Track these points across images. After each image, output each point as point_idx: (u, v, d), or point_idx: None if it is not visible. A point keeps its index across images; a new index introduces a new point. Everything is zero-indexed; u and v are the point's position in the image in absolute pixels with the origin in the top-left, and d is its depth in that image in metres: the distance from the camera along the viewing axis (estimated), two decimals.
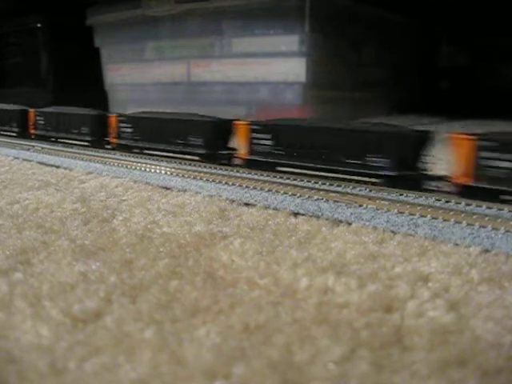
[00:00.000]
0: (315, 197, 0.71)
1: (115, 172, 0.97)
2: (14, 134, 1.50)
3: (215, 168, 0.92)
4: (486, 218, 0.59)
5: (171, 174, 0.91)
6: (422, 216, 0.62)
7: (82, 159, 1.09)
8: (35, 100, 2.14)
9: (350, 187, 0.75)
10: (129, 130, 1.14)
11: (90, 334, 0.37)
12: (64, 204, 0.74)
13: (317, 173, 0.82)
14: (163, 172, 0.92)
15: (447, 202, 0.66)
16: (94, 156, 1.11)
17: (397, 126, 0.78)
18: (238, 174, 0.86)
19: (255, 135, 0.89)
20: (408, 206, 0.65)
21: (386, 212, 0.64)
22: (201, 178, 0.86)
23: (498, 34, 2.38)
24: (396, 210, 0.64)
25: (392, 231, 0.60)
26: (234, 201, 0.74)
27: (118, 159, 1.06)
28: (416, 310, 0.40)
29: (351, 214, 0.65)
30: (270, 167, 0.88)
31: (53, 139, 1.39)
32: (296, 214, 0.68)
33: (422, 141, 0.74)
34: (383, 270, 0.48)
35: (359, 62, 2.18)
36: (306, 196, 0.72)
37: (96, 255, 0.53)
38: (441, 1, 2.24)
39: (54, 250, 0.54)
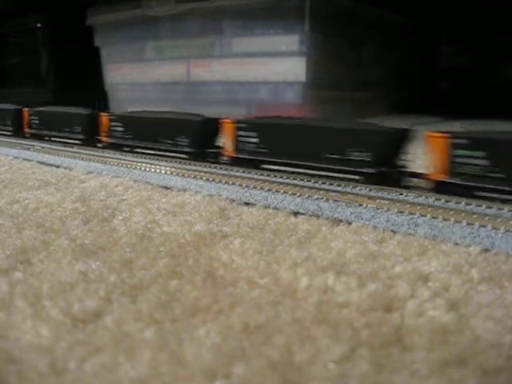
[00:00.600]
0: (315, 196, 0.71)
1: (115, 171, 0.97)
2: (9, 133, 1.52)
3: (215, 167, 0.92)
4: (486, 218, 0.59)
5: (171, 173, 0.91)
6: (422, 215, 0.62)
7: (82, 159, 1.09)
8: (35, 100, 2.14)
9: (350, 186, 0.75)
10: (119, 129, 1.15)
11: (90, 334, 0.37)
12: (64, 203, 0.74)
13: (299, 170, 0.84)
14: (163, 171, 0.92)
15: (447, 201, 0.66)
16: (93, 155, 1.11)
17: (377, 124, 0.79)
18: (238, 174, 0.86)
19: (240, 133, 0.90)
20: (408, 206, 0.65)
21: (385, 211, 0.64)
22: (201, 178, 0.86)
23: (498, 34, 2.38)
24: (396, 210, 0.64)
25: (392, 231, 0.60)
26: (234, 200, 0.74)
27: (118, 159, 1.06)
28: (416, 310, 0.40)
29: (351, 213, 0.65)
30: (255, 165, 0.89)
31: (46, 138, 1.41)
32: (296, 214, 0.68)
33: (402, 139, 0.75)
34: (383, 270, 0.48)
35: (359, 62, 2.18)
36: (306, 195, 0.72)
37: (96, 255, 0.53)
38: (441, 1, 2.24)
39: (54, 250, 0.54)
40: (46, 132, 1.40)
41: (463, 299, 0.42)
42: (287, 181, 0.80)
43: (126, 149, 1.15)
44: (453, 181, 0.68)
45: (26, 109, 1.48)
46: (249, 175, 0.85)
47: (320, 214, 0.67)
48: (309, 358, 0.34)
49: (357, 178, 0.77)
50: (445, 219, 0.60)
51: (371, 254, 0.52)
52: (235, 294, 0.43)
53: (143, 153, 1.10)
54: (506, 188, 0.63)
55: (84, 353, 0.35)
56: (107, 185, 0.88)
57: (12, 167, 1.08)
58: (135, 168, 0.97)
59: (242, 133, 0.90)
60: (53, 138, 1.39)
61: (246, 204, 0.73)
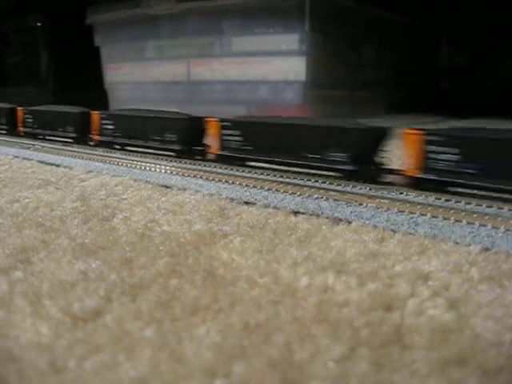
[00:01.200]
0: (315, 195, 0.71)
1: (115, 171, 0.97)
2: (4, 132, 1.54)
3: (215, 167, 0.92)
4: (486, 217, 0.59)
5: (171, 172, 0.91)
6: (422, 215, 0.62)
7: (82, 158, 1.09)
8: (36, 99, 2.14)
9: (350, 186, 0.75)
10: (110, 127, 1.18)
11: (90, 333, 0.37)
12: (64, 203, 0.74)
13: (282, 167, 0.86)
14: (163, 171, 0.92)
15: (447, 200, 0.66)
16: (93, 155, 1.11)
17: (355, 122, 0.81)
18: (238, 173, 0.86)
19: (225, 132, 0.93)
20: (408, 205, 0.65)
21: (386, 211, 0.64)
22: (201, 177, 0.86)
23: (498, 34, 2.38)
24: (396, 209, 0.64)
25: (392, 230, 0.60)
26: (233, 199, 0.74)
27: (117, 158, 1.06)
28: (416, 309, 0.40)
29: (351, 212, 0.65)
30: (239, 162, 0.92)
31: (40, 136, 1.42)
32: (296, 213, 0.68)
33: (380, 136, 0.77)
34: (383, 269, 0.48)
35: (359, 62, 2.18)
36: (306, 195, 0.72)
37: (96, 254, 0.53)
38: (441, 1, 2.24)
39: (54, 249, 0.54)
40: (39, 131, 1.42)
41: (463, 298, 0.42)
42: (287, 180, 0.80)
43: (116, 146, 1.18)
44: (427, 177, 0.70)
45: (20, 108, 1.49)
46: (249, 174, 0.85)
47: (320, 213, 0.67)
48: (309, 357, 0.34)
49: (335, 174, 0.79)
50: (445, 218, 0.60)
51: (371, 253, 0.52)
52: (235, 293, 0.43)
53: (133, 151, 1.13)
54: (479, 183, 0.65)
55: (84, 351, 0.35)
56: (107, 184, 0.88)
57: (12, 166, 1.08)
58: (135, 167, 0.97)
59: (226, 131, 0.92)
60: (46, 137, 1.40)
61: (246, 203, 0.73)
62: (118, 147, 1.17)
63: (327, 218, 0.65)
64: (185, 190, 0.82)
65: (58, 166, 1.07)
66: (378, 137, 0.77)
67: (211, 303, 0.41)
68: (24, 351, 0.35)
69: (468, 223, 0.58)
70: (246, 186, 0.79)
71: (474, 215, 0.60)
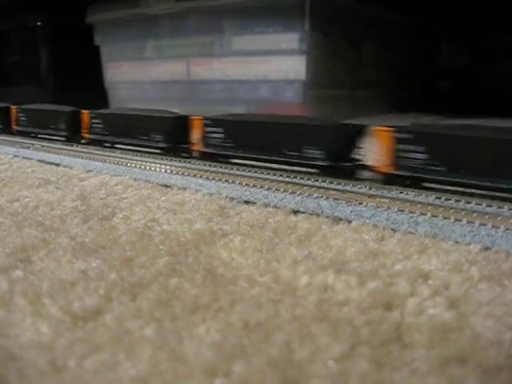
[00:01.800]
0: (315, 195, 0.71)
1: (115, 170, 0.97)
2: None
3: (215, 166, 0.92)
4: (486, 216, 0.59)
5: (171, 172, 0.91)
6: (422, 214, 0.61)
7: (82, 157, 1.09)
8: (36, 99, 2.14)
9: (350, 185, 0.75)
10: (99, 125, 1.20)
11: (90, 332, 0.37)
12: (64, 202, 0.74)
13: (262, 164, 0.88)
14: (163, 170, 0.92)
15: (447, 199, 0.66)
16: (93, 154, 1.11)
17: (331, 119, 0.83)
18: (238, 172, 0.86)
19: (208, 129, 0.95)
20: (408, 204, 0.65)
21: (386, 210, 0.64)
22: (201, 176, 0.86)
23: (498, 34, 2.37)
24: (396, 208, 0.64)
25: (392, 229, 0.60)
26: (233, 199, 0.74)
27: (117, 157, 1.06)
28: (416, 308, 0.40)
29: (351, 211, 0.65)
30: (222, 159, 0.95)
31: (33, 135, 1.43)
32: (296, 212, 0.68)
33: (355, 133, 0.79)
34: (383, 268, 0.48)
35: (359, 61, 2.18)
36: (306, 194, 0.72)
37: (96, 253, 0.53)
38: (441, 0, 2.24)
39: (54, 248, 0.54)
40: (32, 129, 1.43)
41: (463, 297, 0.42)
42: (287, 179, 0.80)
43: (106, 144, 1.20)
44: (399, 173, 0.71)
45: (13, 106, 1.51)
46: (249, 174, 0.85)
47: (320, 212, 0.67)
48: (309, 355, 0.34)
49: (312, 171, 0.81)
50: (445, 217, 0.60)
51: (371, 252, 0.52)
52: (235, 292, 0.43)
53: (121, 148, 1.15)
54: (449, 179, 0.66)
55: (84, 350, 0.35)
56: (107, 183, 0.88)
57: (12, 166, 1.08)
58: (135, 166, 0.97)
59: (209, 129, 0.95)
60: (38, 135, 1.42)
61: (246, 202, 0.73)
62: (107, 145, 1.20)
63: (327, 217, 0.65)
64: (185, 189, 0.82)
65: (57, 165, 1.07)
66: (353, 134, 0.79)
67: (211, 302, 0.41)
68: (24, 350, 0.35)
69: (468, 222, 0.58)
70: (246, 185, 0.79)
71: (474, 214, 0.60)
